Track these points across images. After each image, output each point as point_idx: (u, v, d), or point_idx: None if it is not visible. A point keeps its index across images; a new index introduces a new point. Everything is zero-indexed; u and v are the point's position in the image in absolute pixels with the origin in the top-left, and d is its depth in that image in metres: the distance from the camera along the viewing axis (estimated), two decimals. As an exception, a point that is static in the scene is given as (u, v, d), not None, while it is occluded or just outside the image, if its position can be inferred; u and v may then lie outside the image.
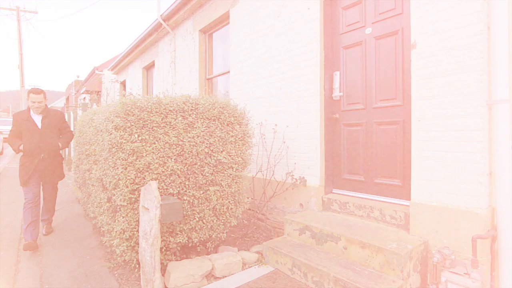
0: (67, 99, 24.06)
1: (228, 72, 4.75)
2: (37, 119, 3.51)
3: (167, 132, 2.56)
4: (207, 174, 2.70)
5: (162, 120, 2.55)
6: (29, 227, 3.25)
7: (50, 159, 3.56)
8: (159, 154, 2.50)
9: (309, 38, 3.30)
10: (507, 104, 2.04)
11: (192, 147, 2.62)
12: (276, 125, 3.70)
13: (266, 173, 3.69)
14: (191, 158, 2.62)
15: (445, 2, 2.24)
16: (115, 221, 2.60)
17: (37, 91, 3.49)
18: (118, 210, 2.55)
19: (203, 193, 2.70)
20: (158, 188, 2.42)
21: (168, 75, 6.71)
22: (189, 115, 2.66)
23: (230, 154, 2.86)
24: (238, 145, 2.95)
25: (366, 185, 3.02)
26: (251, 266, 2.77)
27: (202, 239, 2.81)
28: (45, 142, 3.49)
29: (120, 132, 2.41)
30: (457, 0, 2.18)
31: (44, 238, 3.62)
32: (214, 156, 2.75)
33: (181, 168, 2.58)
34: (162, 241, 2.54)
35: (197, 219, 2.69)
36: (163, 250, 2.61)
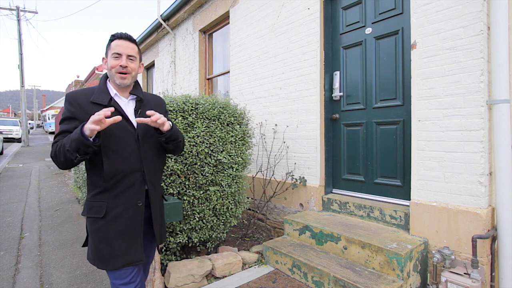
0: (67, 99, 24.08)
1: (228, 72, 4.75)
2: (127, 106, 1.52)
3: (167, 132, 2.56)
4: (207, 174, 2.70)
5: (162, 120, 2.55)
6: None
7: (158, 199, 1.61)
8: (159, 154, 2.50)
9: (309, 38, 3.30)
10: (507, 104, 2.04)
11: (192, 147, 2.62)
12: (276, 125, 3.70)
13: (266, 173, 3.69)
14: (191, 158, 2.62)
15: (445, 2, 2.24)
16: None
17: (126, 35, 1.50)
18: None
19: (203, 193, 2.70)
20: (158, 188, 2.41)
21: (168, 75, 6.71)
22: (189, 115, 2.66)
23: (230, 154, 2.86)
24: (238, 145, 2.95)
25: (366, 185, 3.02)
26: (251, 266, 2.78)
27: (202, 239, 2.81)
28: (148, 159, 1.52)
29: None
30: (457, 0, 2.18)
31: (44, 238, 3.62)
32: (214, 156, 2.75)
33: (181, 168, 2.58)
34: (162, 241, 2.54)
35: (197, 219, 2.69)
36: (163, 250, 2.61)
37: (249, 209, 3.81)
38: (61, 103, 36.83)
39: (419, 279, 2.28)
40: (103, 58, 1.54)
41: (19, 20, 16.93)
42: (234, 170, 2.90)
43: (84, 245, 1.53)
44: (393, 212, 2.63)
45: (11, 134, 19.27)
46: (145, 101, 1.56)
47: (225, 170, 2.84)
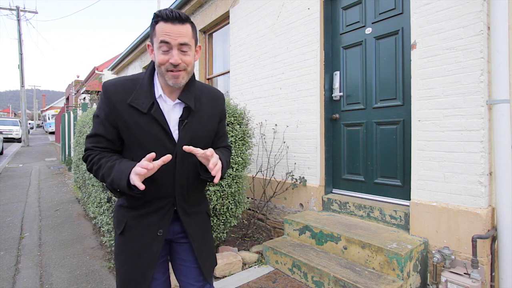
0: (67, 99, 24.09)
1: (228, 72, 4.75)
2: (171, 112, 1.19)
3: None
4: (207, 174, 2.70)
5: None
6: None
7: (196, 226, 1.30)
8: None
9: (309, 38, 3.30)
10: (507, 104, 2.04)
11: (192, 147, 2.62)
12: (276, 125, 3.70)
13: (266, 173, 3.69)
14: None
15: (445, 2, 2.24)
16: (115, 221, 2.60)
17: (175, 15, 1.08)
18: (118, 210, 2.55)
19: (203, 193, 2.70)
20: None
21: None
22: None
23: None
24: (238, 145, 2.95)
25: (366, 185, 3.02)
26: (251, 266, 2.78)
27: (202, 239, 2.80)
28: (184, 183, 1.22)
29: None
30: (457, 0, 2.18)
31: (44, 238, 3.62)
32: (214, 156, 2.74)
33: (181, 168, 2.57)
34: (162, 241, 2.53)
35: (197, 219, 2.68)
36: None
37: (249, 209, 3.81)
38: (61, 103, 36.80)
39: (419, 279, 2.28)
40: (148, 45, 1.18)
41: (19, 20, 16.93)
42: (234, 170, 2.90)
43: None
44: (393, 212, 2.63)
45: (11, 134, 19.29)
46: (197, 105, 1.20)
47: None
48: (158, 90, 1.16)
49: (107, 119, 1.14)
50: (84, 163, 3.25)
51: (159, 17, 1.07)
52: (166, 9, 1.07)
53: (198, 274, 1.29)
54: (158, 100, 1.15)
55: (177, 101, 1.18)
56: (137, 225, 1.19)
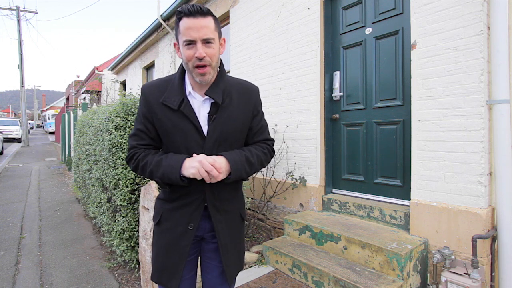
0: (67, 99, 24.09)
1: (228, 72, 4.75)
2: (201, 108, 1.21)
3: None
4: (207, 174, 2.70)
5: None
6: None
7: (226, 224, 1.28)
8: (159, 154, 2.50)
9: (309, 38, 3.30)
10: (507, 104, 2.04)
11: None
12: (276, 125, 3.70)
13: (266, 173, 3.69)
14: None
15: (445, 2, 2.24)
16: (115, 221, 2.60)
17: (197, 9, 1.09)
18: (118, 210, 2.55)
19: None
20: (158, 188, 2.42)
21: (168, 75, 6.71)
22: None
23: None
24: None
25: (366, 185, 3.02)
26: (251, 266, 2.78)
27: (202, 239, 2.81)
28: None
29: (120, 132, 2.41)
30: (457, 0, 2.18)
31: (44, 238, 3.62)
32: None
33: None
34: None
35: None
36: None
37: (249, 209, 3.81)
38: (61, 103, 36.80)
39: (419, 279, 2.28)
40: (174, 44, 1.21)
41: (19, 20, 16.93)
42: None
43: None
44: (393, 212, 2.63)
45: (11, 134, 19.30)
46: (226, 100, 1.20)
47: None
48: (188, 87, 1.20)
49: (146, 118, 1.21)
50: (82, 164, 3.22)
51: (181, 13, 1.09)
52: (188, 4, 1.11)
53: (220, 273, 1.30)
54: (188, 97, 1.19)
55: (206, 96, 1.19)
56: (170, 218, 1.24)
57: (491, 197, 2.17)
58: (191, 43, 1.09)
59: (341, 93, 3.20)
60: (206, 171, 1.08)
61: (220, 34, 1.18)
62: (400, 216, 2.58)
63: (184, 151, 1.18)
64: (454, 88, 2.21)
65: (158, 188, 2.22)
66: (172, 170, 1.12)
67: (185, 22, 1.08)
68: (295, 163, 3.47)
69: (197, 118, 1.18)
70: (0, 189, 6.29)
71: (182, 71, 1.22)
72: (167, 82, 1.22)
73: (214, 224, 1.24)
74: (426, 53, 2.35)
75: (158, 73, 7.24)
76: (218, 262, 1.29)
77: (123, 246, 2.47)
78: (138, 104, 2.37)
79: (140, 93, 1.33)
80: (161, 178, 1.16)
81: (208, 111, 1.19)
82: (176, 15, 1.12)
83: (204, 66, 1.11)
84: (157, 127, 1.21)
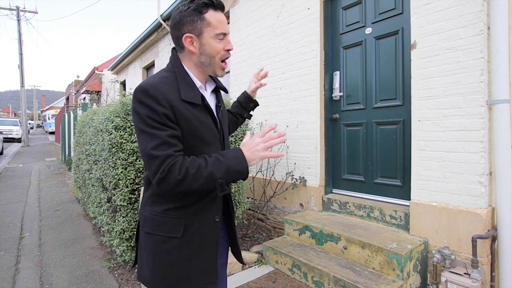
0: (67, 99, 24.09)
1: (228, 72, 4.75)
2: (210, 101, 1.20)
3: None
4: (207, 174, 2.70)
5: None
6: None
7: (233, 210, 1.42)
8: (159, 154, 2.49)
9: (309, 38, 3.30)
10: (507, 104, 2.04)
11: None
12: (276, 125, 3.69)
13: (266, 173, 3.69)
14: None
15: (445, 2, 2.24)
16: (115, 221, 2.60)
17: (223, 4, 1.14)
18: (118, 210, 2.55)
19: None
20: (158, 188, 2.41)
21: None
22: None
23: (230, 154, 2.86)
24: (238, 145, 2.95)
25: (366, 185, 3.02)
26: (251, 266, 2.78)
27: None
28: None
29: (120, 132, 2.41)
30: (457, 0, 2.18)
31: (44, 238, 3.62)
32: (214, 156, 2.74)
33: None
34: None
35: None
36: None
37: (249, 209, 3.81)
38: (61, 103, 36.79)
39: (419, 279, 2.28)
40: (186, 36, 1.08)
41: (19, 20, 16.93)
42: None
43: (134, 265, 1.25)
44: (393, 212, 2.63)
45: (11, 134, 19.30)
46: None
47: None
48: (197, 82, 1.14)
49: (171, 120, 1.02)
50: (82, 164, 3.14)
51: (211, 5, 1.07)
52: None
53: (221, 265, 1.33)
54: (201, 91, 1.14)
55: (211, 89, 1.22)
56: (194, 220, 1.12)
57: (491, 197, 2.17)
58: (224, 36, 1.09)
59: (341, 93, 3.20)
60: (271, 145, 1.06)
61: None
62: (400, 216, 2.58)
63: (205, 149, 1.09)
64: (454, 88, 2.21)
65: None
66: (238, 161, 1.02)
67: (215, 15, 1.07)
68: (295, 163, 3.47)
69: (214, 112, 1.16)
70: (0, 189, 6.29)
71: (183, 67, 1.14)
72: (170, 79, 1.10)
73: (230, 210, 1.29)
74: (426, 53, 2.35)
75: (158, 73, 7.24)
76: (226, 241, 1.33)
77: (123, 246, 2.47)
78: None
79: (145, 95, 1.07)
80: (225, 177, 1.01)
81: (217, 102, 1.21)
82: (197, 6, 1.06)
83: (227, 58, 1.14)
84: (182, 127, 1.04)
